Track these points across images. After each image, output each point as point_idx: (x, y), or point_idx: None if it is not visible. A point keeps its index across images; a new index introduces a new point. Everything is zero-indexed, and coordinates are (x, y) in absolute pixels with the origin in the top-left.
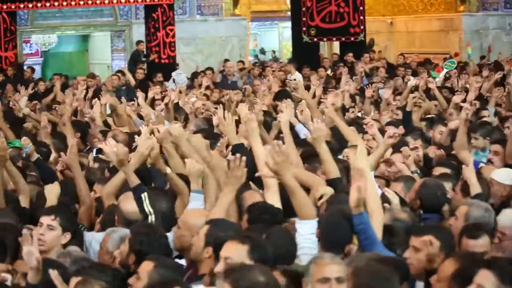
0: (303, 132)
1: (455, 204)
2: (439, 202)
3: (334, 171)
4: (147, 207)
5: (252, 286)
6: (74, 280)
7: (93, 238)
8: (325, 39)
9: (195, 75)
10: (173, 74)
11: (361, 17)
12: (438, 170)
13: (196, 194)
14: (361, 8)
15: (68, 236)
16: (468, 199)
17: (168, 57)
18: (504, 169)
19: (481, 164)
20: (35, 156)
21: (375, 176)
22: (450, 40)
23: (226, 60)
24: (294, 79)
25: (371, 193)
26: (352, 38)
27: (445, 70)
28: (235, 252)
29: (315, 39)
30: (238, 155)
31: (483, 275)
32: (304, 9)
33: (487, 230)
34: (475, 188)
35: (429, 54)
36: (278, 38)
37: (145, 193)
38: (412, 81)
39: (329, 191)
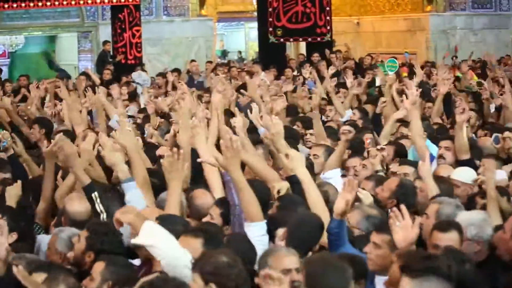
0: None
1: (420, 203)
2: (414, 202)
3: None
4: (99, 206)
5: (216, 268)
6: (39, 276)
7: (42, 241)
8: (291, 39)
9: (162, 75)
10: (133, 75)
11: (328, 18)
12: (401, 169)
13: (127, 184)
14: (328, 8)
15: (14, 236)
16: (438, 197)
17: (135, 57)
18: (462, 168)
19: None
20: (10, 151)
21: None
22: (417, 40)
23: (193, 61)
24: (262, 79)
25: (311, 195)
26: (319, 39)
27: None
28: (190, 246)
29: (282, 40)
30: (174, 149)
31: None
32: (270, 9)
33: (458, 227)
34: (432, 189)
35: (396, 54)
36: (244, 39)
37: (96, 193)
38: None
39: (285, 185)
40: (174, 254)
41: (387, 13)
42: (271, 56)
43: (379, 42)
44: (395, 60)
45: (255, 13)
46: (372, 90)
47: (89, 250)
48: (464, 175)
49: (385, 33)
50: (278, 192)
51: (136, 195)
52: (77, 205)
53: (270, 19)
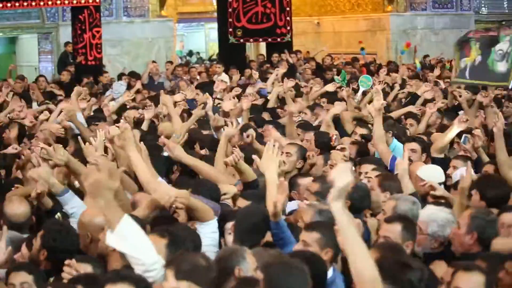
0: None
1: (375, 200)
2: (369, 203)
3: (250, 175)
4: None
5: (195, 267)
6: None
7: None
8: (251, 40)
9: (120, 77)
10: (115, 86)
11: (288, 18)
12: (364, 168)
13: (65, 196)
14: (288, 9)
15: None
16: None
17: (95, 58)
18: (429, 166)
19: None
20: None
21: None
22: (377, 40)
23: (153, 62)
24: (222, 80)
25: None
26: (279, 39)
27: (361, 89)
28: (154, 245)
29: (242, 40)
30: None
31: None
32: (230, 10)
33: (403, 220)
34: (408, 186)
35: (356, 54)
36: (204, 39)
37: (58, 213)
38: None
39: (232, 190)
40: (146, 261)
41: (347, 13)
42: (231, 57)
43: (339, 42)
44: (370, 78)
45: (215, 14)
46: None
47: (43, 248)
48: (430, 173)
49: (345, 33)
50: (224, 194)
51: (77, 203)
52: (16, 208)
53: (230, 20)
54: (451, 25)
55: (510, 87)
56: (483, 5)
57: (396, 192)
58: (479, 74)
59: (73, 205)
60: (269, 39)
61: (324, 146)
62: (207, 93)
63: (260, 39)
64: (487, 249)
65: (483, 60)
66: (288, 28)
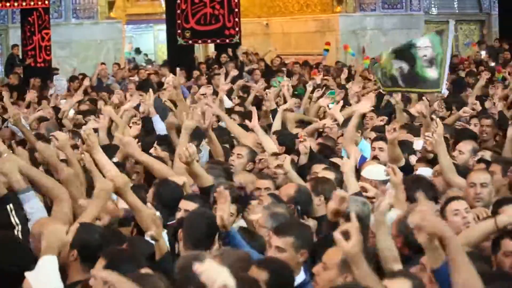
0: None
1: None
2: (311, 208)
3: (206, 180)
4: (14, 219)
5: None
6: None
7: None
8: (200, 41)
9: (72, 79)
10: (54, 78)
11: (236, 19)
12: (315, 168)
13: (25, 194)
14: (236, 10)
15: None
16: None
17: (44, 60)
18: (373, 166)
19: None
20: None
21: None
22: (326, 41)
23: (102, 64)
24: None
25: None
26: (227, 40)
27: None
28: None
29: (190, 42)
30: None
31: None
32: (179, 11)
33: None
34: (352, 186)
35: (305, 55)
36: (153, 41)
37: (11, 204)
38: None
39: (182, 179)
40: None
41: (296, 14)
42: (179, 58)
43: (288, 43)
44: (334, 92)
45: (164, 15)
46: (300, 90)
47: None
48: (374, 172)
49: (294, 34)
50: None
51: (37, 204)
52: None
53: (179, 21)
54: (400, 25)
55: (442, 92)
56: (433, 5)
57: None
58: (412, 81)
59: (32, 206)
60: (218, 40)
61: (289, 144)
62: (150, 91)
63: (209, 41)
64: (420, 253)
65: (411, 68)
66: (237, 29)
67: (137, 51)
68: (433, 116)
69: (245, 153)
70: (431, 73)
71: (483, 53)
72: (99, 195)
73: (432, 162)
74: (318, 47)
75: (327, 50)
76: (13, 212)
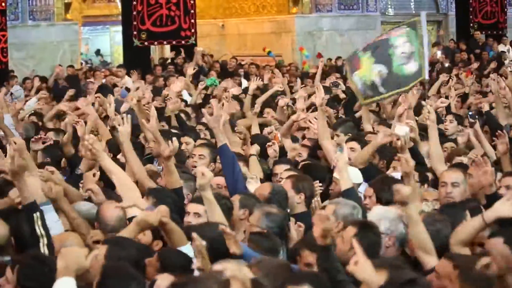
0: None
1: (289, 202)
2: (286, 206)
3: (177, 181)
4: (39, 229)
5: None
6: None
7: None
8: (156, 42)
9: (24, 80)
10: (13, 89)
11: (192, 21)
12: (278, 169)
13: (43, 207)
14: (192, 11)
15: None
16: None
17: (1, 63)
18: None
19: None
20: None
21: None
22: (282, 42)
23: (59, 66)
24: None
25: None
26: (183, 42)
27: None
28: None
29: (146, 43)
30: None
31: None
32: (135, 13)
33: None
34: (346, 182)
35: (261, 56)
36: (109, 43)
37: (38, 213)
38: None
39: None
40: None
41: (252, 16)
42: (135, 60)
43: (243, 45)
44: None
45: (120, 17)
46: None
47: (17, 285)
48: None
49: (250, 35)
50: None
51: (53, 219)
52: None
53: (135, 23)
54: (357, 26)
55: (427, 78)
56: (389, 6)
57: (310, 193)
58: (393, 84)
59: (49, 219)
60: (174, 42)
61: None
62: (110, 95)
63: (165, 42)
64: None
65: (389, 70)
66: (193, 30)
67: (97, 52)
68: (423, 103)
69: (206, 153)
70: (410, 68)
71: (439, 54)
72: (139, 224)
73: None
74: (274, 48)
75: (270, 52)
76: (39, 221)
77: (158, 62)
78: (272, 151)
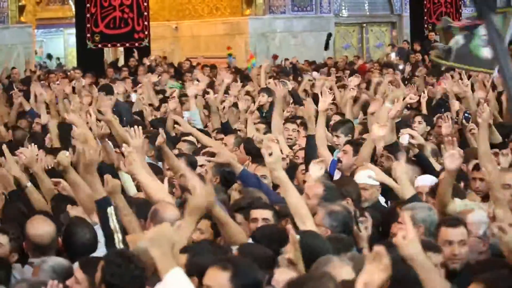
0: None
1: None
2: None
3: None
4: (113, 223)
5: None
6: None
7: (14, 269)
8: (109, 45)
9: None
10: None
11: (146, 23)
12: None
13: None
14: (146, 13)
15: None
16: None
17: None
18: (366, 171)
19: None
20: None
21: None
22: (236, 44)
23: (13, 68)
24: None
25: None
26: (137, 44)
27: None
28: (216, 280)
29: (100, 45)
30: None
31: None
32: (88, 15)
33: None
34: (409, 190)
35: (214, 58)
36: (63, 45)
37: (112, 207)
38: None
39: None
40: None
41: (206, 17)
42: (89, 62)
43: (197, 46)
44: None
45: (74, 19)
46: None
47: (102, 283)
48: (363, 177)
49: (203, 37)
50: None
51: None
52: (40, 228)
53: (88, 25)
54: (310, 28)
55: (495, 73)
56: (343, 8)
57: (357, 195)
58: (464, 58)
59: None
60: (127, 44)
61: (255, 153)
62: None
63: (118, 44)
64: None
65: (466, 44)
66: (146, 32)
67: (49, 56)
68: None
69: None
70: (486, 53)
71: (393, 55)
72: (192, 212)
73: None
74: (227, 50)
75: (230, 55)
76: (113, 216)
77: (108, 64)
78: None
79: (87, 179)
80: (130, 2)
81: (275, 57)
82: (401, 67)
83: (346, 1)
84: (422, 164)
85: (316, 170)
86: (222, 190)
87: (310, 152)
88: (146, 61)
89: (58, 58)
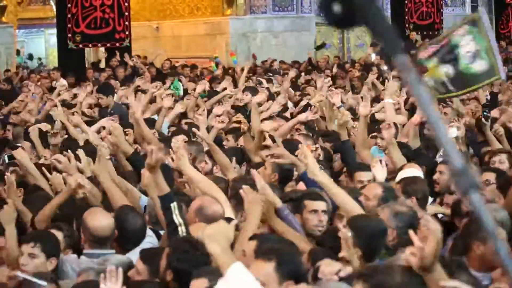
0: None
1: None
2: None
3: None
4: (177, 218)
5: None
6: None
7: (67, 261)
8: (90, 45)
9: None
10: None
11: (127, 23)
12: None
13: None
14: (127, 13)
15: (54, 262)
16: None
17: None
18: (409, 170)
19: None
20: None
21: None
22: (217, 44)
23: None
24: (63, 85)
25: None
26: (118, 44)
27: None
28: (261, 271)
29: (81, 45)
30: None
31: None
32: (69, 15)
33: None
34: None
35: (196, 58)
36: (44, 45)
37: (175, 203)
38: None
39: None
40: None
41: (186, 17)
42: (70, 62)
43: (178, 47)
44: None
45: (55, 20)
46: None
47: (168, 269)
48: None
49: (184, 37)
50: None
51: None
52: (101, 220)
53: (69, 25)
54: (291, 27)
55: (503, 77)
56: None
57: (423, 194)
58: (462, 83)
59: None
60: (108, 44)
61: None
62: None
63: (99, 44)
64: None
65: (457, 71)
66: (127, 32)
67: (30, 56)
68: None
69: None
70: (478, 67)
71: (373, 56)
72: (252, 210)
73: None
74: (208, 50)
75: (216, 57)
76: (176, 211)
77: (89, 65)
78: (317, 155)
79: (153, 177)
80: (111, 2)
81: (254, 56)
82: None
83: None
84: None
85: (380, 171)
86: (279, 187)
87: (347, 157)
88: (130, 61)
89: (39, 58)
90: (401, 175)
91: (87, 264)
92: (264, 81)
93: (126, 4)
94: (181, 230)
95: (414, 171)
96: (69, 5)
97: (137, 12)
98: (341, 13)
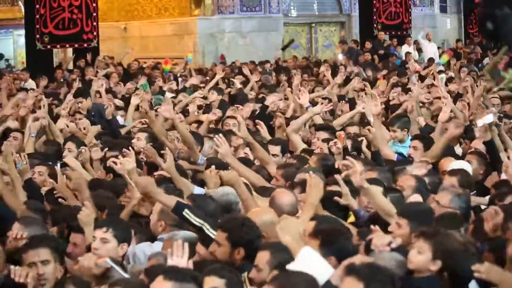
0: None
1: None
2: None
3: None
4: (196, 221)
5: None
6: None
7: (136, 250)
8: (58, 46)
9: None
10: None
11: (94, 23)
12: None
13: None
14: (94, 14)
15: (125, 247)
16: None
17: None
18: (458, 162)
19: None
20: (27, 175)
21: None
22: (185, 45)
23: None
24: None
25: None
26: (85, 45)
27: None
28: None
29: (49, 46)
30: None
31: None
32: (37, 16)
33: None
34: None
35: (163, 58)
36: (13, 46)
37: (186, 209)
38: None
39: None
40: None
41: (154, 18)
42: (38, 63)
43: (146, 47)
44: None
45: (23, 20)
46: (190, 91)
47: (237, 247)
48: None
49: (152, 37)
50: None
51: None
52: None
53: (38, 26)
54: (259, 28)
55: None
56: (292, 8)
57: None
58: None
59: None
60: (76, 45)
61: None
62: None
63: (67, 45)
64: None
65: None
66: (95, 33)
67: (1, 56)
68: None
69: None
70: None
71: (340, 57)
72: (306, 208)
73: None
74: (176, 50)
75: (190, 58)
76: (191, 215)
77: (56, 65)
78: (336, 148)
79: (154, 200)
80: (79, 3)
81: (222, 57)
82: (350, 69)
83: (295, 1)
84: (490, 152)
85: (420, 170)
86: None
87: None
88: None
89: (7, 60)
90: (451, 166)
91: (159, 249)
92: (236, 81)
93: (94, 4)
94: (206, 228)
95: (463, 163)
96: (37, 6)
97: (105, 13)
98: (493, 29)
